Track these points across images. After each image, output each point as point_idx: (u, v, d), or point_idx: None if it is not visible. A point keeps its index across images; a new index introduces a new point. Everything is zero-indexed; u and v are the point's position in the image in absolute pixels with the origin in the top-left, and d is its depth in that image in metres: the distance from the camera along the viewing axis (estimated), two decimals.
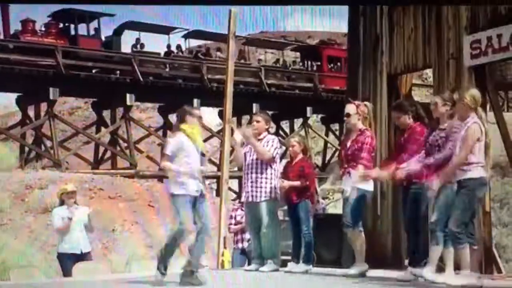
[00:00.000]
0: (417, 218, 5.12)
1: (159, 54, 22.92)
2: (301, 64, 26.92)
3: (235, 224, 7.67)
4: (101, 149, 23.13)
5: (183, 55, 23.77)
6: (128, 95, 21.38)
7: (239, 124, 24.45)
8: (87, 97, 25.53)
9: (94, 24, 21.84)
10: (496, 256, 6.17)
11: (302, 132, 24.86)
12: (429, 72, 15.03)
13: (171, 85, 22.42)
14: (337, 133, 27.47)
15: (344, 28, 7.70)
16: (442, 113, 4.98)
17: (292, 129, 26.88)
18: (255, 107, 22.46)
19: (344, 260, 6.43)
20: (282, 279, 5.72)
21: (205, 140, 28.62)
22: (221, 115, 21.53)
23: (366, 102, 5.86)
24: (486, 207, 6.09)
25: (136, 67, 21.53)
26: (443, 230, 4.80)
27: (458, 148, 4.57)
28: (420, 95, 21.59)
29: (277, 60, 26.89)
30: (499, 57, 6.30)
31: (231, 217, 7.77)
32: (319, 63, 26.36)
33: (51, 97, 20.26)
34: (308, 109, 25.35)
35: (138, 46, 22.49)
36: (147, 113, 31.92)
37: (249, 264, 6.77)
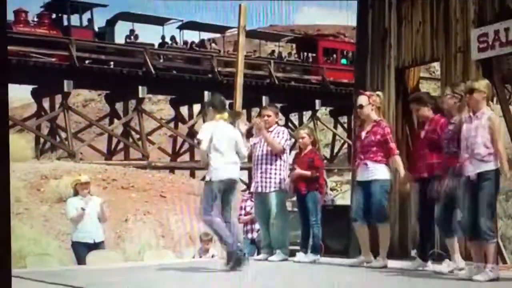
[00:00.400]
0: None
1: (153, 45, 22.73)
2: (296, 56, 26.61)
3: (245, 215, 7.78)
4: (114, 140, 23.41)
5: (178, 46, 23.35)
6: (140, 88, 21.56)
7: (248, 116, 24.60)
8: (101, 89, 25.80)
9: (88, 15, 21.62)
10: (501, 247, 6.24)
11: (311, 125, 24.95)
12: (436, 65, 15.00)
13: (182, 78, 22.55)
14: (345, 125, 27.50)
15: (353, 21, 7.78)
16: (451, 105, 4.96)
17: (301, 122, 26.97)
18: (264, 99, 22.54)
19: (352, 250, 6.54)
20: (290, 269, 5.80)
21: None
22: (231, 107, 21.59)
23: (378, 92, 5.84)
24: None
25: (148, 60, 21.68)
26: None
27: (480, 138, 4.48)
28: (427, 88, 21.53)
29: (272, 52, 26.46)
30: (506, 51, 6.31)
31: (241, 207, 7.89)
32: (314, 54, 26.16)
33: (65, 90, 20.50)
34: (317, 102, 25.41)
35: (132, 37, 22.23)
36: (158, 105, 32.15)
37: (258, 253, 6.86)
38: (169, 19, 23.14)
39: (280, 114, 6.59)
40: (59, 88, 20.47)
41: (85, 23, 21.60)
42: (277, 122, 6.37)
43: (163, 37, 23.05)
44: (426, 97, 5.42)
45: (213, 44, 24.12)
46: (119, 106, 23.86)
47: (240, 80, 7.13)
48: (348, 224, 6.48)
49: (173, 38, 23.31)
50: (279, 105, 21.20)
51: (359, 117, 5.81)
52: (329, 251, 6.60)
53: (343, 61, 26.48)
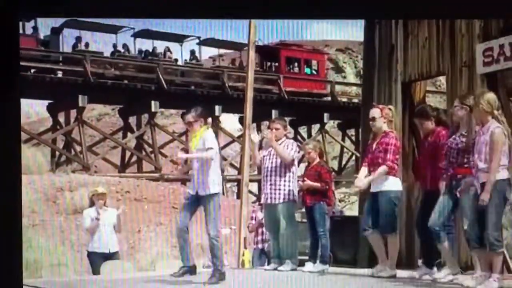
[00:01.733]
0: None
1: (102, 53, 22.06)
2: (258, 65, 25.50)
3: (258, 225, 7.91)
4: (128, 153, 23.71)
5: (132, 55, 22.78)
6: (153, 102, 21.86)
7: (258, 129, 24.77)
8: (114, 104, 26.15)
9: (32, 23, 20.63)
10: (507, 257, 6.30)
11: (319, 137, 25.04)
12: (442, 79, 15.10)
13: (193, 93, 22.86)
14: (353, 138, 27.58)
15: (360, 36, 7.94)
16: (460, 116, 5.02)
17: (309, 135, 27.05)
18: (273, 113, 22.70)
19: (360, 260, 6.65)
20: (299, 278, 5.88)
21: (226, 145, 28.24)
22: (241, 121, 21.88)
23: (390, 106, 5.94)
24: None
25: (160, 75, 21.99)
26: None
27: (483, 154, 4.59)
28: (433, 102, 21.65)
29: (233, 60, 25.63)
30: (511, 65, 6.43)
31: (252, 218, 8.05)
32: (277, 64, 25.57)
33: (80, 104, 20.82)
34: (325, 115, 25.49)
35: (81, 45, 21.59)
36: (171, 119, 32.44)
37: (268, 263, 6.96)
38: (121, 27, 22.30)
39: (288, 127, 6.73)
40: (74, 103, 20.81)
41: (31, 31, 20.82)
42: (285, 135, 6.51)
43: (114, 46, 22.47)
44: (429, 111, 5.50)
45: (168, 53, 23.61)
46: (132, 120, 24.19)
47: (250, 94, 7.31)
48: (356, 234, 6.59)
49: (125, 46, 22.68)
50: (288, 119, 21.24)
51: (371, 129, 5.84)
52: (338, 261, 6.71)
53: (307, 70, 25.98)
